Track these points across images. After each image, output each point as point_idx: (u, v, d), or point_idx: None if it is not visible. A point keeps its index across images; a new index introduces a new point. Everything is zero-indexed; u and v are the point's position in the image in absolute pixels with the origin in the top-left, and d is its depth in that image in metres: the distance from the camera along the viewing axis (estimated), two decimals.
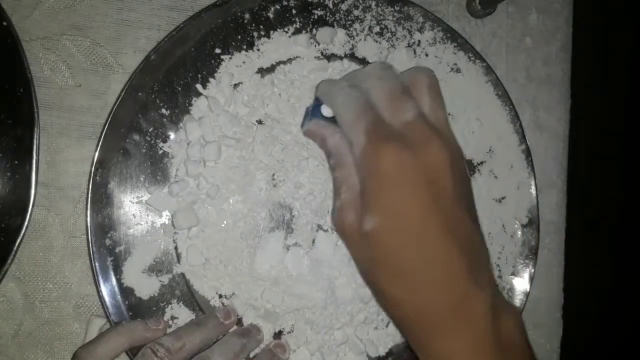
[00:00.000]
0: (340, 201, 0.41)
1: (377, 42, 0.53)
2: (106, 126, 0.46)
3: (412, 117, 0.39)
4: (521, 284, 0.55)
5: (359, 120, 0.39)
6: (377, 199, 0.38)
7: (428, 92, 0.41)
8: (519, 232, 0.55)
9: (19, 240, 0.44)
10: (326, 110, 0.44)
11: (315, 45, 0.52)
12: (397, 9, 0.53)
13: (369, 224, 0.38)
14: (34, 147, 0.45)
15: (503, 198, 0.55)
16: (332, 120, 0.44)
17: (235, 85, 0.49)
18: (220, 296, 0.48)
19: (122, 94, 0.46)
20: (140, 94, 0.47)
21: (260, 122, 0.49)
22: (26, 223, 0.44)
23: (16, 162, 0.45)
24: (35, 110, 0.45)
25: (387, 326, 0.51)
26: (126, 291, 0.46)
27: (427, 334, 0.39)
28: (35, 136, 0.45)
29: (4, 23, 0.45)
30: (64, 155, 0.49)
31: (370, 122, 0.38)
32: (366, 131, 0.38)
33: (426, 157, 0.37)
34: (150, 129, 0.47)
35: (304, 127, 0.48)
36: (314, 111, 0.46)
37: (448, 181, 0.38)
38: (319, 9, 0.52)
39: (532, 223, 0.56)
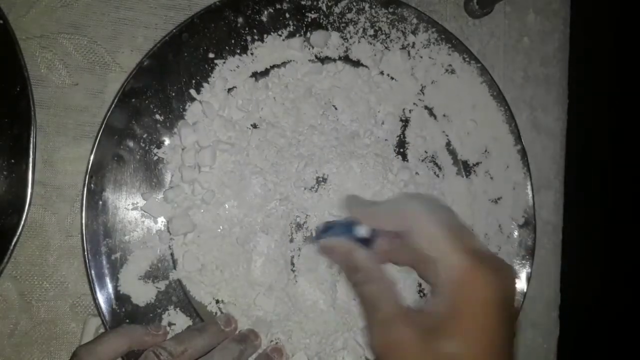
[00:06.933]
0: (383, 315, 0.38)
1: (371, 44, 0.53)
2: (99, 133, 0.45)
3: (479, 245, 0.38)
4: (518, 284, 0.55)
5: (456, 238, 0.37)
6: (477, 327, 0.35)
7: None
8: (516, 233, 0.56)
9: (15, 239, 0.44)
10: (363, 231, 0.42)
11: (309, 49, 0.51)
12: (391, 10, 0.53)
13: (452, 348, 0.35)
14: (31, 145, 0.45)
15: (499, 198, 0.55)
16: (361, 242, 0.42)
17: (230, 90, 0.49)
18: (217, 302, 0.48)
19: (115, 100, 0.46)
20: (133, 100, 0.47)
21: (254, 126, 0.49)
22: (23, 222, 0.44)
23: (13, 160, 0.45)
24: (32, 109, 0.45)
25: None
26: (122, 298, 0.45)
27: None
28: (32, 135, 0.45)
29: (1, 21, 0.45)
30: (60, 154, 0.49)
31: (467, 243, 0.37)
32: (465, 251, 0.36)
33: (510, 291, 0.37)
34: (145, 135, 0.47)
35: (323, 242, 0.45)
36: (336, 230, 0.44)
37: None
38: (313, 12, 0.52)
39: (529, 223, 0.56)
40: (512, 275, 0.38)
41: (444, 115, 0.55)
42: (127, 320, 0.45)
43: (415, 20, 0.54)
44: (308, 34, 0.51)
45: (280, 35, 0.51)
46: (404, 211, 0.40)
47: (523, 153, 0.56)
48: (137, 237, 0.47)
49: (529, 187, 0.56)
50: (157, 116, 0.47)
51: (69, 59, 0.49)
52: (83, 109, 0.49)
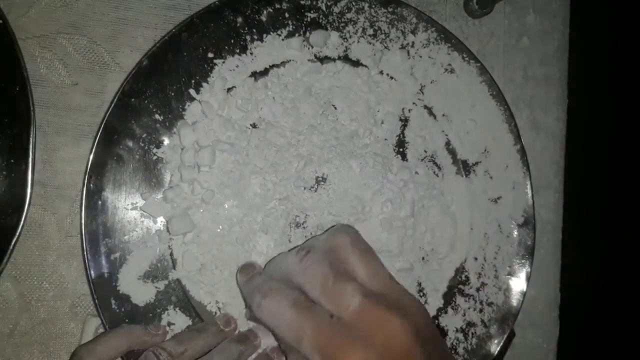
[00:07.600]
0: None
1: (370, 44, 0.53)
2: (99, 133, 0.45)
3: (358, 303, 0.34)
4: (518, 283, 0.55)
5: (301, 337, 0.34)
6: None
7: (356, 253, 0.37)
8: (515, 232, 0.56)
9: (14, 240, 0.44)
10: None
11: (308, 48, 0.51)
12: (391, 10, 0.53)
13: None
14: (30, 146, 0.45)
15: (499, 198, 0.55)
16: None
17: (229, 90, 0.49)
18: (217, 301, 0.47)
19: (115, 100, 0.46)
20: (133, 99, 0.46)
21: (254, 125, 0.49)
22: (22, 222, 0.44)
23: (12, 161, 0.45)
24: (32, 109, 0.45)
25: None
26: (122, 298, 0.45)
27: None
28: (31, 135, 0.45)
29: (0, 21, 0.45)
30: (60, 154, 0.49)
31: (315, 334, 0.34)
32: (316, 348, 0.33)
33: (390, 347, 0.33)
34: (144, 135, 0.47)
35: (247, 316, 0.46)
36: None
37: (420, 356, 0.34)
38: (312, 12, 0.52)
39: (528, 223, 0.56)
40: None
41: (444, 115, 0.55)
42: (127, 320, 0.45)
43: (414, 20, 0.54)
44: (307, 33, 0.51)
45: (280, 35, 0.51)
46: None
47: (522, 152, 0.56)
48: (137, 237, 0.46)
49: (528, 186, 0.56)
50: (157, 116, 0.47)
51: (68, 59, 0.49)
52: (82, 109, 0.49)
